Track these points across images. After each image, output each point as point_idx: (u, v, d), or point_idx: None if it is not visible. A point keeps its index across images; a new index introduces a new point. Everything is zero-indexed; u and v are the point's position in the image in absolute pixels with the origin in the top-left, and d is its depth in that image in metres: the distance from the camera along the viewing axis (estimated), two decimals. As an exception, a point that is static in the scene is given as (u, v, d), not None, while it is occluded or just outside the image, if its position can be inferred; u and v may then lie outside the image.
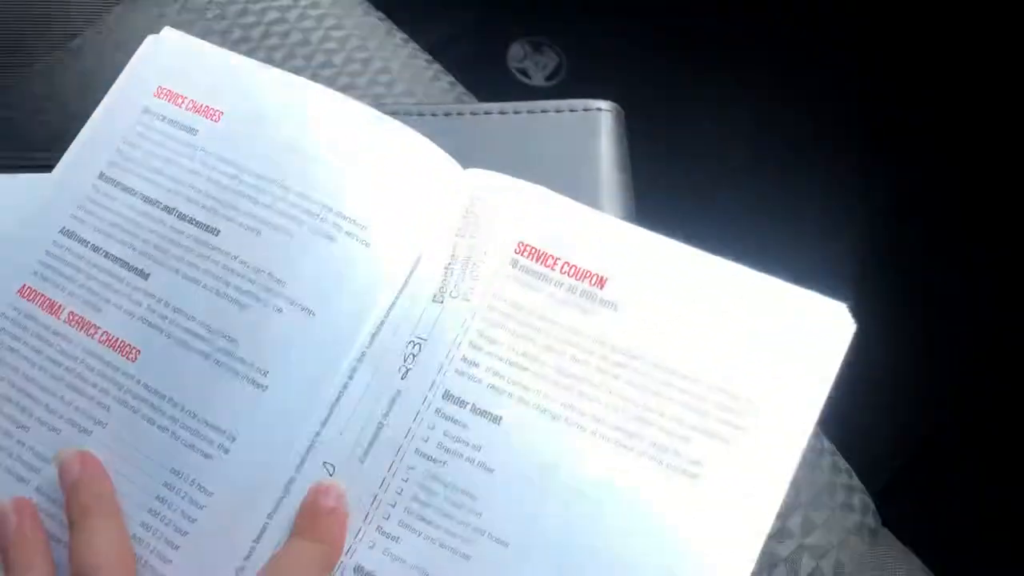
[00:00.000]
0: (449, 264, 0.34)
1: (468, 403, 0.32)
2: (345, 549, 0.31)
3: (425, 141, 0.36)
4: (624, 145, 0.40)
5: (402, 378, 0.33)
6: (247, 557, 0.31)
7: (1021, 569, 0.60)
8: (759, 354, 0.30)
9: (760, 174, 0.81)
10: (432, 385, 0.32)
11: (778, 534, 0.36)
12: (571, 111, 0.40)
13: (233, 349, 0.33)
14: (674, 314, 0.31)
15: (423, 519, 0.31)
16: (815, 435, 0.40)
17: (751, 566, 0.28)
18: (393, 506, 0.31)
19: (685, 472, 0.29)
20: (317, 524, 0.31)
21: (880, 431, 0.69)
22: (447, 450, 0.31)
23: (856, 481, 0.39)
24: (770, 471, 0.29)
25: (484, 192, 0.35)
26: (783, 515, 0.36)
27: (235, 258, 0.34)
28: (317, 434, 0.32)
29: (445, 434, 0.31)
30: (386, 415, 0.32)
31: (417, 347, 0.33)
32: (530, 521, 0.30)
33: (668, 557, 0.29)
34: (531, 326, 0.32)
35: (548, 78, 0.89)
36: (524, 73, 0.89)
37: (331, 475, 0.32)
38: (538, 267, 0.33)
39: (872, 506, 0.39)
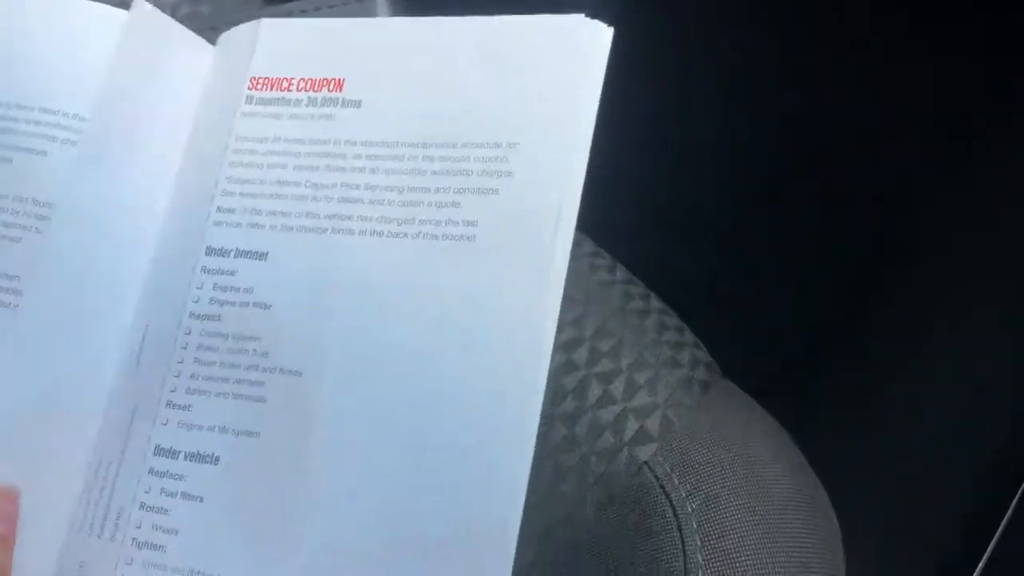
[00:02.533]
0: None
1: (230, 250, 0.31)
2: (146, 438, 0.30)
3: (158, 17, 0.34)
4: None
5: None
6: None
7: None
8: (511, 96, 0.30)
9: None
10: (193, 246, 0.32)
11: (600, 401, 0.35)
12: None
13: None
14: (418, 88, 0.31)
15: (210, 378, 0.30)
16: (641, 297, 0.39)
17: (554, 317, 0.28)
18: (178, 377, 0.30)
19: (462, 237, 0.29)
20: None
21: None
22: (220, 303, 0.31)
23: (687, 337, 0.38)
24: (548, 205, 0.29)
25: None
26: (605, 381, 0.36)
27: None
28: None
29: (215, 287, 0.31)
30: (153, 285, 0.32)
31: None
32: (318, 342, 0.30)
33: (463, 333, 0.28)
34: (280, 153, 0.32)
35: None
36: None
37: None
38: (274, 95, 0.33)
39: (705, 360, 0.38)
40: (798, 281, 0.70)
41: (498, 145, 0.30)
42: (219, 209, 0.32)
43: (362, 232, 0.30)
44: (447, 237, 0.29)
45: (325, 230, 0.31)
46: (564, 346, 0.36)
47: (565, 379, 0.36)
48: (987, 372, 0.63)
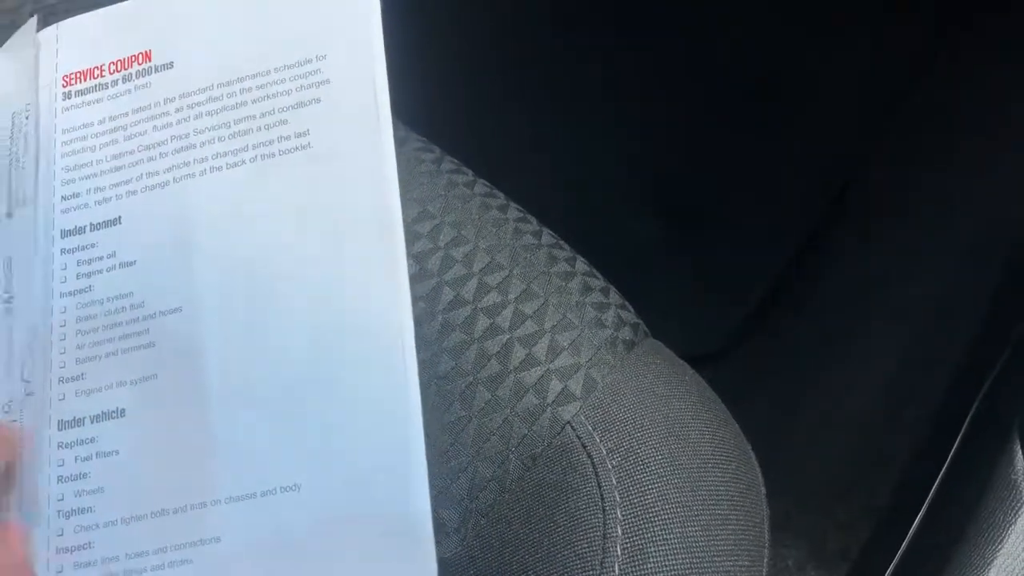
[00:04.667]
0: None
1: (84, 225, 0.32)
2: (45, 419, 0.31)
3: None
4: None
5: None
6: None
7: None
8: (304, 16, 0.33)
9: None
10: (44, 234, 0.33)
11: (523, 364, 0.35)
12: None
13: None
14: (220, 34, 0.33)
15: (96, 343, 0.31)
16: (566, 260, 0.39)
17: (395, 195, 0.30)
18: (64, 353, 0.31)
19: (297, 147, 0.32)
20: None
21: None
22: (87, 275, 0.32)
23: (612, 298, 0.39)
24: (367, 99, 0.31)
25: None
26: (528, 343, 0.36)
27: None
28: None
29: (79, 263, 0.32)
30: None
31: None
32: (188, 277, 0.31)
33: (320, 230, 0.31)
34: (109, 132, 0.34)
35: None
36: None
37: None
38: (88, 84, 0.34)
39: (631, 320, 0.38)
40: (744, 240, 0.70)
41: (308, 60, 0.32)
42: (63, 198, 0.33)
43: (203, 172, 0.32)
44: (284, 152, 0.32)
45: (167, 182, 0.32)
46: (487, 310, 0.36)
47: (488, 343, 0.36)
48: (931, 329, 0.64)
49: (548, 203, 0.44)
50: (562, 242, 0.40)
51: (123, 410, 0.30)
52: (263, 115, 0.32)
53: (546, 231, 0.40)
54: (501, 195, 0.41)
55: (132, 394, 0.30)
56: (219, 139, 0.32)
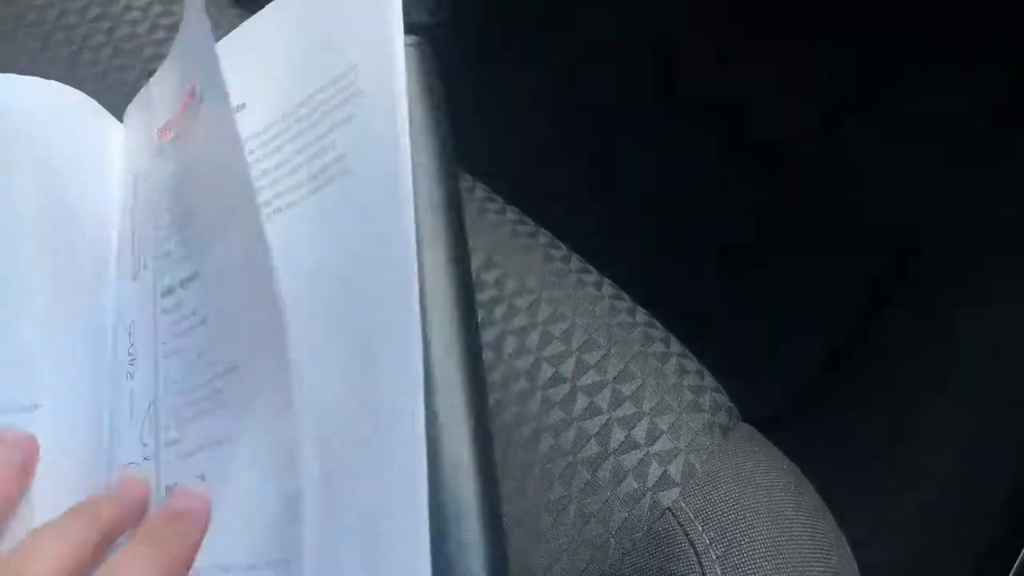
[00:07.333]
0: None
1: (175, 284, 0.31)
2: (157, 485, 0.30)
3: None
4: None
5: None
6: None
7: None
8: (339, 24, 0.31)
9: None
10: (152, 297, 0.32)
11: (622, 446, 0.35)
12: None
13: None
14: (276, 65, 0.32)
15: (189, 404, 0.30)
16: (661, 340, 0.39)
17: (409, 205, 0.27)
18: (167, 416, 0.30)
19: (339, 174, 0.29)
20: (161, 528, 0.28)
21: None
22: (178, 334, 0.31)
23: (707, 381, 0.39)
24: (389, 108, 0.28)
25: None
26: (627, 425, 0.36)
27: None
28: None
29: (172, 323, 0.31)
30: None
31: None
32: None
33: (348, 255, 0.28)
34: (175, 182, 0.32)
35: None
36: None
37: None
38: (173, 133, 0.33)
39: (726, 404, 0.38)
40: (807, 304, 0.71)
41: (344, 73, 0.30)
42: (155, 257, 0.32)
43: (267, 217, 0.30)
44: (329, 180, 0.30)
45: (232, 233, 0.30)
46: (586, 389, 0.36)
47: (588, 423, 0.36)
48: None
49: (611, 254, 0.43)
50: (656, 321, 0.40)
51: (203, 476, 0.29)
52: (317, 140, 0.30)
53: (640, 309, 0.40)
54: (563, 247, 0.41)
55: (210, 458, 0.29)
56: (277, 180, 0.31)
